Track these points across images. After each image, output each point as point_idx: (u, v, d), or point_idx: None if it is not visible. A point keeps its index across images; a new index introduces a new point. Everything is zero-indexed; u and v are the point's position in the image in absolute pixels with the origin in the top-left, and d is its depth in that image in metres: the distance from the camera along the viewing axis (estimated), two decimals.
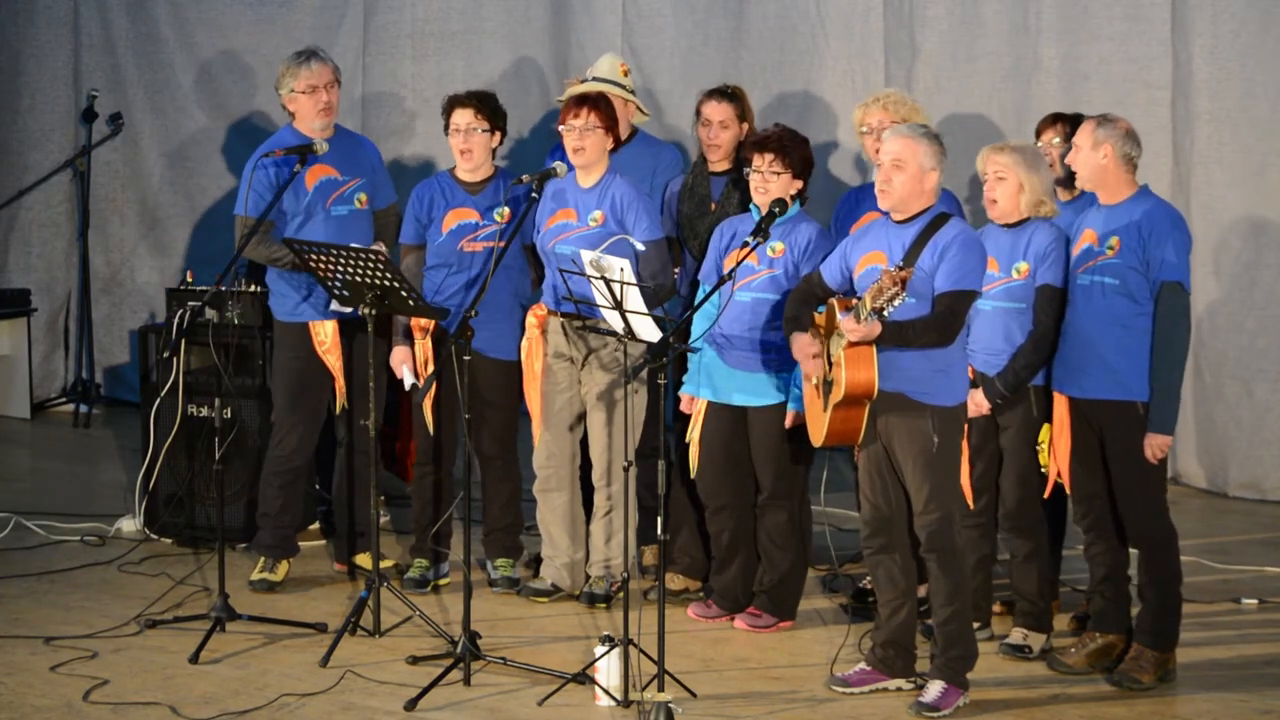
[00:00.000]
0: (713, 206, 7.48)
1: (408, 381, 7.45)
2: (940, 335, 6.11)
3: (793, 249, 6.90)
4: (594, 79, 7.81)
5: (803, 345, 6.40)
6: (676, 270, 7.56)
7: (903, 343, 6.07)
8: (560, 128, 7.23)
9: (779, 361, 6.89)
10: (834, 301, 6.28)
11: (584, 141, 7.15)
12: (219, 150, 11.13)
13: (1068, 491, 6.69)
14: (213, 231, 11.00)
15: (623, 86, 7.78)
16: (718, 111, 7.52)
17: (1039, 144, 7.19)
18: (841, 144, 9.64)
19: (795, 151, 6.92)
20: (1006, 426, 6.72)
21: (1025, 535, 6.80)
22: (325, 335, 7.56)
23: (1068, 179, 7.01)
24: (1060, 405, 6.59)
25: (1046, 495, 6.70)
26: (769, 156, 6.88)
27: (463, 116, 7.42)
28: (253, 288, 8.01)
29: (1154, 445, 6.41)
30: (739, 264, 6.65)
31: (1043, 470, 6.67)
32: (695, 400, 7.12)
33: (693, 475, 7.15)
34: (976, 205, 6.86)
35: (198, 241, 11.24)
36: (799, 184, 6.94)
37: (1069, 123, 7.09)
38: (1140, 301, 6.40)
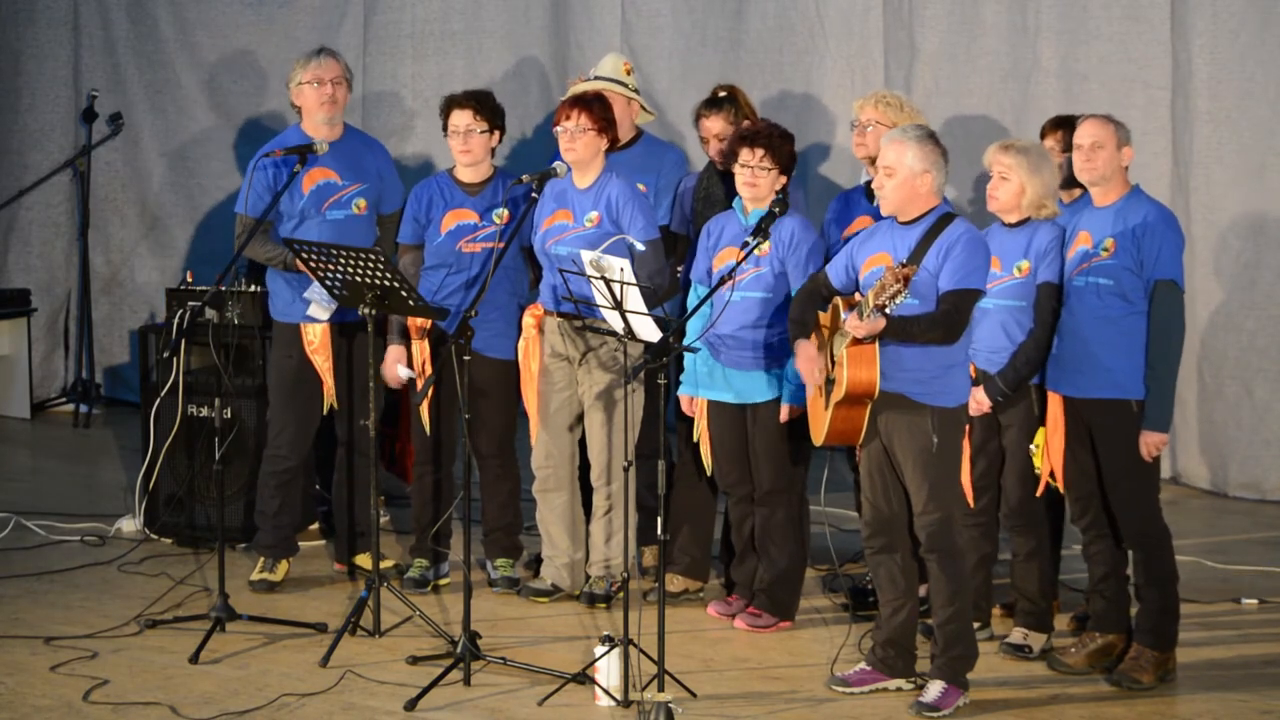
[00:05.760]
0: (729, 207, 7.46)
1: (403, 375, 7.44)
2: (945, 332, 6.11)
3: (778, 245, 6.90)
4: (596, 78, 7.81)
5: (805, 355, 6.38)
6: (680, 268, 7.56)
7: (907, 337, 6.07)
8: (555, 129, 7.24)
9: (771, 358, 6.90)
10: (838, 301, 6.28)
11: (575, 143, 7.16)
12: (219, 150, 11.13)
13: (1060, 491, 6.70)
14: (213, 231, 11.00)
15: (625, 85, 7.77)
16: (712, 125, 7.50)
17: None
18: (841, 145, 9.64)
19: (784, 148, 6.93)
20: (1008, 425, 6.73)
21: (1028, 533, 6.81)
22: (314, 335, 7.56)
23: (1067, 181, 7.01)
24: (1055, 404, 6.61)
25: (1039, 493, 6.72)
26: (759, 152, 6.88)
27: (461, 118, 7.42)
28: (253, 288, 8.02)
29: (1149, 443, 6.42)
30: (739, 263, 6.65)
31: (1035, 472, 6.68)
32: (695, 400, 7.13)
33: (708, 473, 7.16)
34: (981, 205, 6.86)
35: (198, 241, 11.24)
36: (784, 179, 6.96)
37: (1072, 129, 7.09)
38: (1134, 301, 6.42)
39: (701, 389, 7.09)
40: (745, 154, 6.89)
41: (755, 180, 6.89)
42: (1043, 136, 7.28)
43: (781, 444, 6.98)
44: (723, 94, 7.58)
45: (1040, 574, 6.83)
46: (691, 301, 6.94)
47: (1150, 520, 6.49)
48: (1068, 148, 7.02)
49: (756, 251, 6.87)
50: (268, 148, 7.50)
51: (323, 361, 7.58)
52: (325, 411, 7.67)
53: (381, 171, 7.74)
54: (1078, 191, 7.02)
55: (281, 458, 7.63)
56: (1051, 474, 6.65)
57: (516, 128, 10.18)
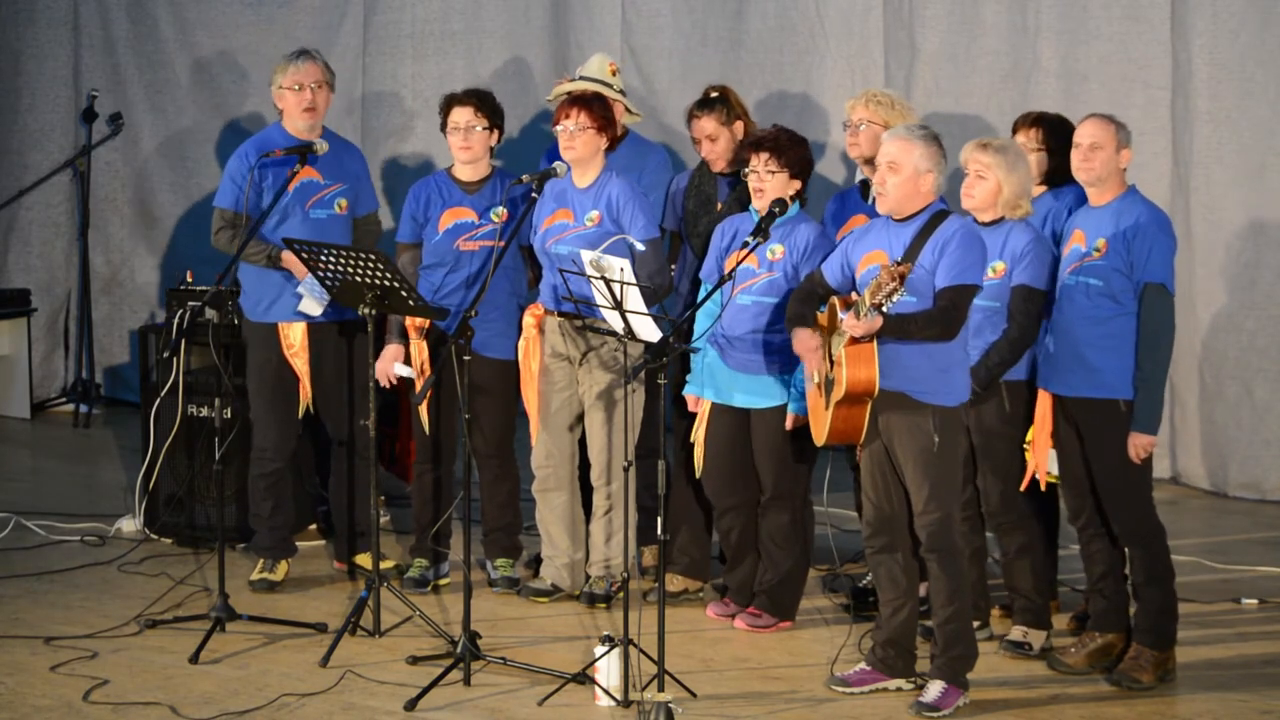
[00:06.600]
0: (719, 206, 7.47)
1: (401, 374, 7.44)
2: (942, 329, 6.11)
3: (792, 251, 6.90)
4: (582, 78, 7.81)
5: (804, 340, 6.39)
6: (674, 267, 7.57)
7: (904, 335, 6.07)
8: (554, 129, 7.24)
9: (780, 363, 6.89)
10: (835, 300, 6.28)
11: (574, 142, 7.16)
12: (219, 150, 11.13)
13: (1042, 488, 6.69)
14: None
15: (610, 86, 7.76)
16: (703, 127, 7.48)
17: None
18: (839, 145, 9.62)
19: (791, 151, 6.91)
20: (980, 424, 6.69)
21: (1014, 530, 6.81)
22: (294, 338, 7.57)
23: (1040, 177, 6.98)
24: (1043, 401, 6.60)
25: (1022, 488, 6.71)
26: (764, 156, 6.88)
27: (462, 114, 7.42)
28: None
29: (1137, 445, 6.43)
30: (739, 265, 6.65)
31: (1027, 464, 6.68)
32: (700, 400, 7.13)
33: (698, 476, 7.16)
34: (955, 200, 6.84)
35: (198, 241, 11.20)
36: (797, 184, 6.94)
37: (1045, 126, 7.06)
38: (1123, 302, 6.43)
39: (707, 390, 7.09)
40: (753, 160, 6.91)
41: (762, 185, 6.88)
42: (1014, 132, 7.21)
43: (785, 448, 6.97)
44: (714, 94, 7.56)
45: (1034, 569, 6.82)
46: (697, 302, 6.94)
47: (1143, 518, 6.49)
48: (1039, 145, 6.99)
49: (770, 256, 6.88)
50: (255, 146, 7.52)
51: (301, 365, 7.58)
52: (300, 414, 7.67)
53: (359, 174, 7.75)
54: (1040, 189, 6.97)
55: (268, 460, 7.63)
56: (1036, 467, 6.65)
57: (516, 128, 10.18)
